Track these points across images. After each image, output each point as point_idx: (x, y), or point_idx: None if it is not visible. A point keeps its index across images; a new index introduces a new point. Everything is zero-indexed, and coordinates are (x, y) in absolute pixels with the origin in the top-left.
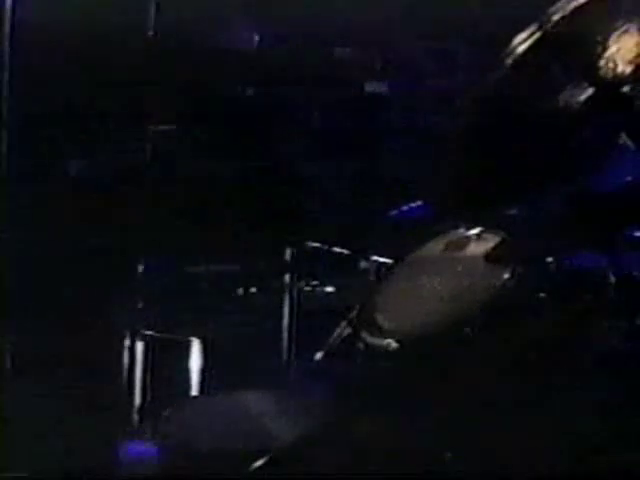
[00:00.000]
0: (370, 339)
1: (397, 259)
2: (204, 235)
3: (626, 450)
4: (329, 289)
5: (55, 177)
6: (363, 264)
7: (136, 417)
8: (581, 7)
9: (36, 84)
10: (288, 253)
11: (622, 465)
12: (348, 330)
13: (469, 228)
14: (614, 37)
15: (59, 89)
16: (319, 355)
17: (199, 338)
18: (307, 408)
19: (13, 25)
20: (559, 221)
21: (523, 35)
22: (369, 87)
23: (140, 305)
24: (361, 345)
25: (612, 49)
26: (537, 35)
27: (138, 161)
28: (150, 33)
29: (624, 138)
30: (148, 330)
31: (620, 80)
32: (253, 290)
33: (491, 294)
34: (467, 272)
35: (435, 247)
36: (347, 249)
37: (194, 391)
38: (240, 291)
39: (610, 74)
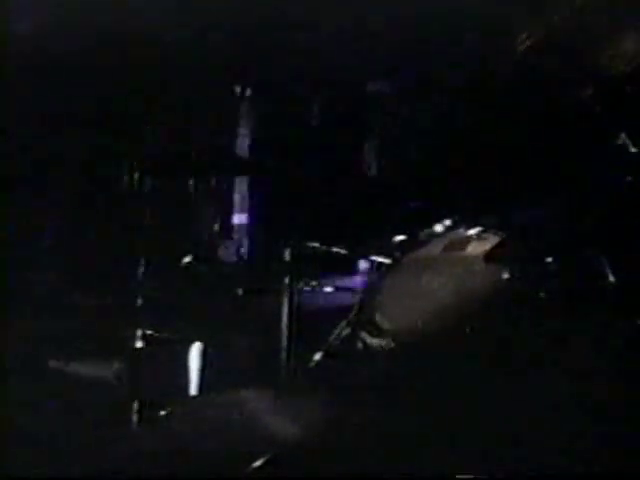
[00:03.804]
0: (369, 339)
1: (397, 259)
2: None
3: (625, 450)
4: (329, 289)
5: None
6: (363, 264)
7: (136, 417)
8: (582, 8)
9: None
10: (288, 253)
11: (622, 465)
12: (348, 330)
13: (469, 228)
14: (615, 38)
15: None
16: (318, 355)
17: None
18: (307, 408)
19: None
20: (559, 221)
21: (524, 35)
22: (368, 87)
23: (140, 305)
24: (361, 345)
25: (613, 49)
26: (538, 36)
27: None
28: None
29: (624, 138)
30: (148, 330)
31: (620, 80)
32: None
33: (491, 294)
34: (467, 272)
35: (435, 247)
36: (347, 249)
37: (194, 391)
38: (240, 291)
39: (611, 74)
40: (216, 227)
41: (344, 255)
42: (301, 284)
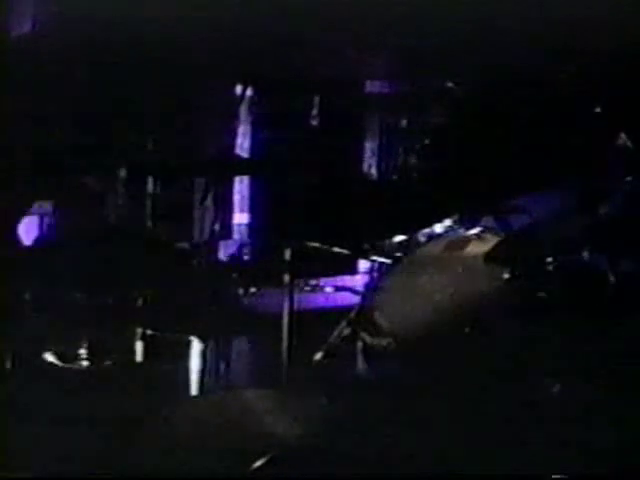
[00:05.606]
0: (370, 339)
1: (397, 259)
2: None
3: (625, 450)
4: (328, 289)
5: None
6: (363, 264)
7: (137, 417)
8: None
9: None
10: (288, 253)
11: (622, 465)
12: (348, 330)
13: (469, 228)
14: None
15: None
16: (319, 355)
17: (199, 338)
18: (307, 408)
19: None
20: (559, 221)
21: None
22: (369, 88)
23: (140, 304)
24: (361, 345)
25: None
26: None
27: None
28: None
29: (624, 138)
30: (148, 330)
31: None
32: (253, 290)
33: (491, 294)
34: (467, 272)
35: (435, 247)
36: (347, 249)
37: (194, 391)
38: (240, 291)
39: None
40: (216, 227)
41: (344, 255)
42: (302, 284)
